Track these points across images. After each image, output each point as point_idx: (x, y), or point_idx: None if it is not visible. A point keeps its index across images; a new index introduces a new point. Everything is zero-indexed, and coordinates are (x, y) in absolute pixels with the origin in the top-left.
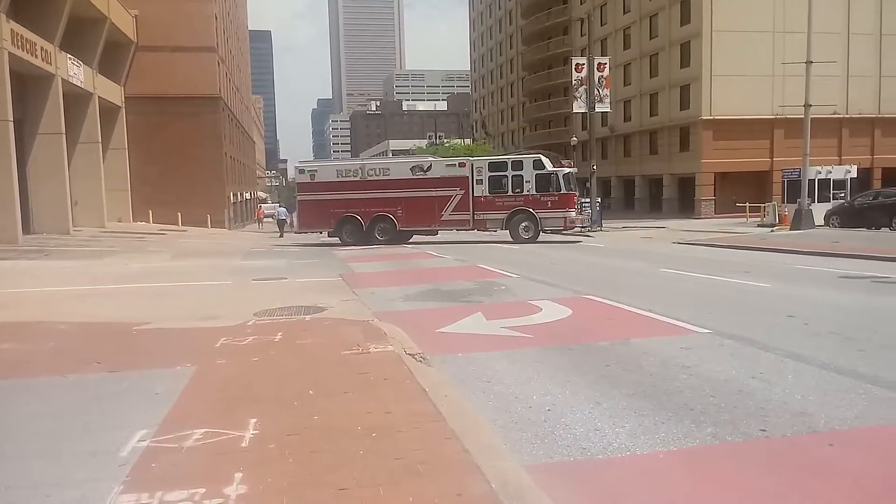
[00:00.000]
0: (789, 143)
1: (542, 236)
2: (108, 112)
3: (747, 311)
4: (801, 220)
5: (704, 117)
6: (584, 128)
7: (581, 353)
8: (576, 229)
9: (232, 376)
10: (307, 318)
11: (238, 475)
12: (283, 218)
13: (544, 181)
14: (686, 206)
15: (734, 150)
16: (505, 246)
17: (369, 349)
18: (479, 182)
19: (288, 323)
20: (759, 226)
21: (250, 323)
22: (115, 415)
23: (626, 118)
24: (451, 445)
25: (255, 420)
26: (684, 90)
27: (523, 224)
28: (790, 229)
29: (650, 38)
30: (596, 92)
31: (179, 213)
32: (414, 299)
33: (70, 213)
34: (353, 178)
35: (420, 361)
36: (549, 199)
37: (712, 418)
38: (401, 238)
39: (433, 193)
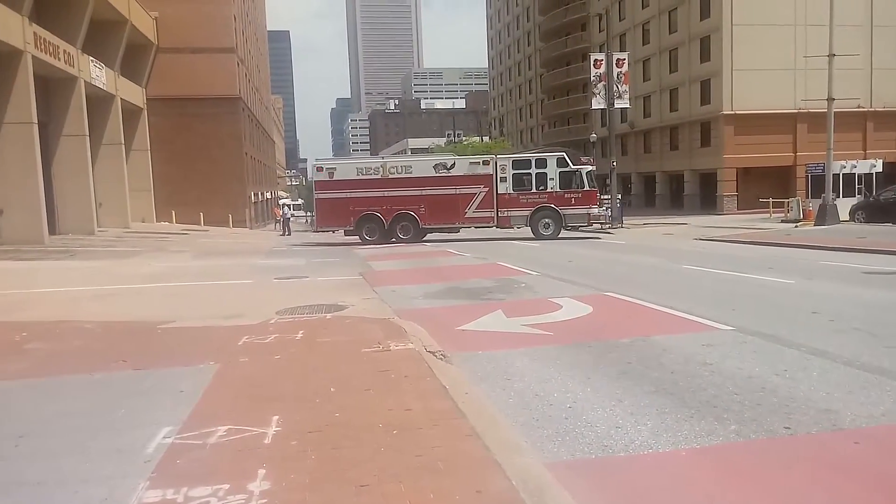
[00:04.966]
0: (813, 137)
1: (562, 233)
2: (131, 114)
3: (771, 307)
4: (825, 215)
5: (726, 112)
6: (603, 124)
7: (602, 351)
8: (595, 226)
9: (254, 374)
10: (328, 316)
11: (261, 471)
12: (289, 217)
13: (568, 178)
14: (708, 202)
15: (756, 145)
16: (524, 243)
17: (390, 347)
18: (503, 179)
19: (309, 321)
20: (782, 221)
21: (272, 321)
22: (140, 412)
23: (646, 114)
24: (472, 443)
25: (277, 417)
26: (705, 85)
27: (544, 221)
28: (814, 225)
29: (669, 33)
30: (615, 88)
31: (201, 213)
32: (434, 297)
33: (95, 214)
34: (373, 176)
35: (440, 359)
36: (572, 195)
37: (736, 416)
38: (420, 236)
39: (457, 191)
